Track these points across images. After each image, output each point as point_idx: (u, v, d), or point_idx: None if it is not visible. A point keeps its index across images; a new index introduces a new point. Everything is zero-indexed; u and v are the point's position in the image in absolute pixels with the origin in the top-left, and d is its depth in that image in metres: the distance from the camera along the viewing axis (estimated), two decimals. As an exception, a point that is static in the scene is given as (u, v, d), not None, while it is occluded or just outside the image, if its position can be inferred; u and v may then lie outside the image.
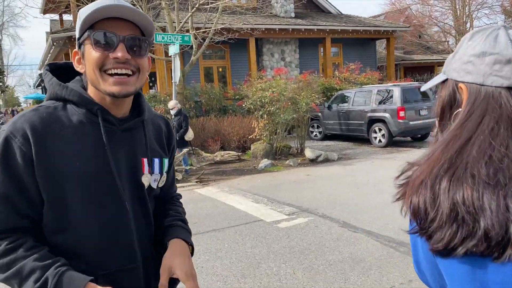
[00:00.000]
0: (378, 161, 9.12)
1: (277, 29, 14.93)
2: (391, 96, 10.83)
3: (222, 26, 10.78)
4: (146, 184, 1.18)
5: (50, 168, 1.03)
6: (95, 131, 1.08)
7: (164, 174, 1.24)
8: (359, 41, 17.94)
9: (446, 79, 0.85)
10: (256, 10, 14.61)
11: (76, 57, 1.13)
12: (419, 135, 11.68)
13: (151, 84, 15.35)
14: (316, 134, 13.22)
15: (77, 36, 1.10)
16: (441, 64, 26.31)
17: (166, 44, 9.28)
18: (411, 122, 10.60)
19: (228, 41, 11.89)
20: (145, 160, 1.18)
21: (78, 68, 1.13)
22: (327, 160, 9.32)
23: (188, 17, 10.01)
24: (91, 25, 1.04)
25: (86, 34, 1.05)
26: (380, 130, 11.01)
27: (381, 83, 14.41)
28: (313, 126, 13.14)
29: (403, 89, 10.80)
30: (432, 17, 21.63)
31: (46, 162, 1.02)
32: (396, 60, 21.09)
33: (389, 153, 10.07)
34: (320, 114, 12.56)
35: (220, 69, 15.72)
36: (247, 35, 13.38)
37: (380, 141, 11.05)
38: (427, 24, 22.39)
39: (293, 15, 16.43)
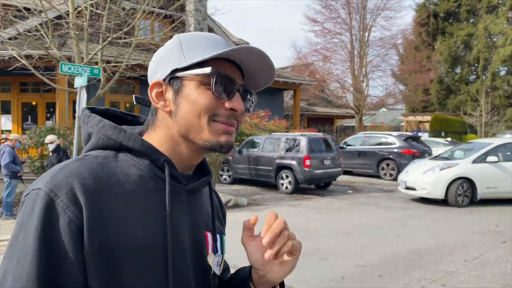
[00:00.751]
0: (285, 207, 9.25)
1: (191, 71, 14.91)
2: (298, 145, 11.26)
3: (135, 62, 10.44)
4: (212, 268, 0.89)
5: (106, 241, 0.72)
6: (158, 190, 0.81)
7: (223, 256, 0.95)
8: (269, 90, 18.66)
9: None
10: (171, 50, 14.51)
11: (157, 90, 0.85)
12: (322, 184, 12.21)
13: (48, 115, 14.14)
14: (225, 178, 13.14)
15: (172, 65, 0.83)
16: (340, 117, 28.46)
17: (71, 74, 8.66)
18: (315, 171, 11.05)
19: (140, 77, 11.54)
20: (210, 235, 0.90)
21: (158, 104, 0.85)
22: (236, 206, 9.21)
23: (99, 50, 9.53)
24: (201, 62, 0.81)
25: (204, 70, 0.80)
26: (287, 177, 11.29)
27: (288, 131, 15.00)
28: (223, 170, 13.08)
29: (309, 139, 11.32)
30: (334, 74, 23.51)
31: (101, 233, 0.72)
32: (301, 111, 22.30)
33: (295, 200, 10.31)
34: (230, 158, 12.58)
35: (127, 105, 15.10)
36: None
37: (286, 187, 11.31)
38: (329, 80, 24.23)
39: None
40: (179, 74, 0.82)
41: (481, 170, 9.53)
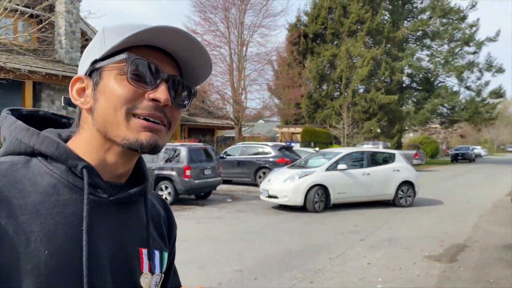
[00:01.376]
0: (164, 219, 9.11)
1: (60, 76, 13.84)
2: (178, 155, 11.22)
3: (-7, 63, 9.34)
4: None
5: (6, 260, 0.62)
6: (74, 201, 0.70)
7: (162, 276, 0.84)
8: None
9: None
10: (37, 53, 13.28)
11: (79, 86, 0.77)
12: (203, 193, 12.32)
13: None
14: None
15: (93, 56, 0.75)
16: (220, 127, 29.03)
17: None
18: (196, 181, 11.12)
19: (0, 81, 10.34)
20: (145, 252, 0.79)
21: (77, 101, 0.76)
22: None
23: None
24: (123, 49, 0.72)
25: (121, 56, 0.71)
26: (166, 188, 11.15)
27: (168, 142, 14.79)
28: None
29: (190, 149, 11.37)
30: (214, 85, 23.97)
31: (1, 249, 0.62)
32: (182, 121, 22.22)
33: (175, 211, 10.21)
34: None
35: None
36: (24, 77, 11.93)
37: (166, 199, 11.15)
38: (209, 91, 24.63)
39: (78, 63, 15.60)
40: (98, 65, 0.74)
41: (333, 177, 10.30)
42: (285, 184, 10.14)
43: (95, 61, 0.74)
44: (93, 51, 0.75)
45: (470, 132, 57.92)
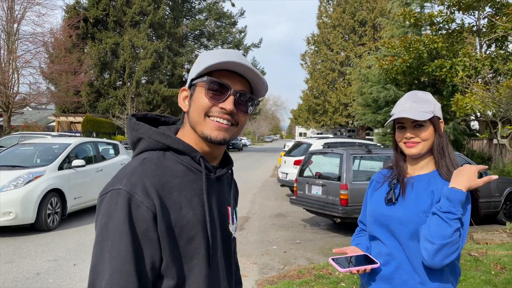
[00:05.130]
0: None
1: None
2: None
3: None
4: (233, 234, 1.18)
5: (171, 221, 0.99)
6: (197, 179, 1.07)
7: (237, 223, 1.25)
8: None
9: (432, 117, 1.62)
10: None
11: (184, 94, 1.13)
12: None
13: None
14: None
15: (192, 76, 1.10)
16: None
17: None
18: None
19: None
20: (229, 209, 1.18)
21: (182, 105, 1.12)
22: None
23: None
24: (209, 71, 1.06)
25: (203, 79, 1.06)
26: None
27: None
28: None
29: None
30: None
31: (166, 215, 0.98)
32: None
33: None
34: None
35: None
36: None
37: None
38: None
39: None
40: (194, 82, 1.10)
41: (69, 177, 7.78)
42: (6, 194, 6.68)
43: (192, 79, 1.11)
44: (193, 71, 1.11)
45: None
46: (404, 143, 1.66)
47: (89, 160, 8.64)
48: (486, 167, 1.71)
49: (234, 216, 1.20)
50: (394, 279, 1.60)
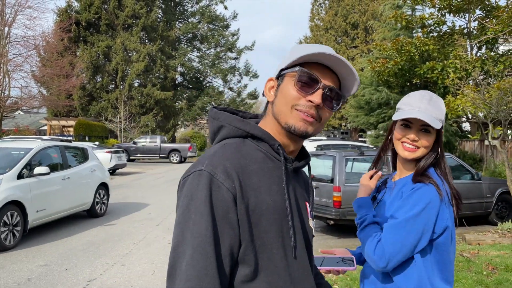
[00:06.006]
0: None
1: None
2: None
3: None
4: (313, 229, 1.15)
5: (250, 204, 0.97)
6: (276, 168, 1.05)
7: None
8: None
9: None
10: None
11: (270, 84, 1.11)
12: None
13: None
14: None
15: (282, 66, 1.08)
16: None
17: None
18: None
19: None
20: (308, 204, 1.16)
21: (267, 95, 1.10)
22: None
23: None
24: (300, 63, 1.04)
25: (295, 69, 1.04)
26: None
27: None
28: None
29: None
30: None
31: (246, 198, 0.96)
32: None
33: None
34: None
35: None
36: None
37: None
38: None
39: None
40: (282, 72, 1.08)
41: (30, 186, 6.71)
42: None
43: (282, 69, 1.09)
44: (283, 62, 1.09)
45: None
46: (403, 142, 1.56)
47: (54, 167, 7.55)
48: (379, 172, 1.68)
49: (313, 213, 1.18)
50: (377, 283, 1.57)
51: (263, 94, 1.17)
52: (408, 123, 1.54)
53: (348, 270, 1.60)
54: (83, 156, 8.87)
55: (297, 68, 1.03)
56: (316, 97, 1.02)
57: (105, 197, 9.21)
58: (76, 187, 8.04)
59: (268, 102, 1.13)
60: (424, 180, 1.48)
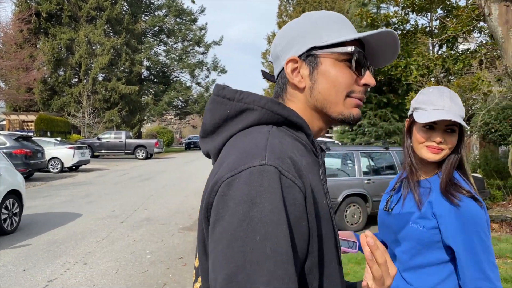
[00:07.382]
0: None
1: None
2: None
3: None
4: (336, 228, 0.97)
5: (315, 209, 0.77)
6: (315, 162, 0.86)
7: None
8: None
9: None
10: None
11: (293, 66, 0.87)
12: None
13: None
14: None
15: (312, 44, 0.87)
16: None
17: None
18: None
19: None
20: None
21: (294, 80, 0.87)
22: None
23: None
24: (342, 42, 0.87)
25: (347, 49, 0.86)
26: None
27: None
28: None
29: None
30: None
31: (314, 201, 0.77)
32: None
33: None
34: None
35: None
36: None
37: None
38: None
39: None
40: (316, 52, 0.86)
41: None
42: None
43: (313, 48, 0.87)
44: (307, 38, 0.87)
45: (200, 123, 65.19)
46: (427, 146, 1.42)
47: None
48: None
49: None
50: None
51: (264, 77, 1.02)
52: (432, 125, 1.41)
53: (349, 252, 1.58)
54: None
55: (351, 48, 0.85)
56: (370, 79, 0.88)
57: (16, 207, 7.13)
58: None
59: (284, 84, 0.91)
60: (458, 196, 1.35)
